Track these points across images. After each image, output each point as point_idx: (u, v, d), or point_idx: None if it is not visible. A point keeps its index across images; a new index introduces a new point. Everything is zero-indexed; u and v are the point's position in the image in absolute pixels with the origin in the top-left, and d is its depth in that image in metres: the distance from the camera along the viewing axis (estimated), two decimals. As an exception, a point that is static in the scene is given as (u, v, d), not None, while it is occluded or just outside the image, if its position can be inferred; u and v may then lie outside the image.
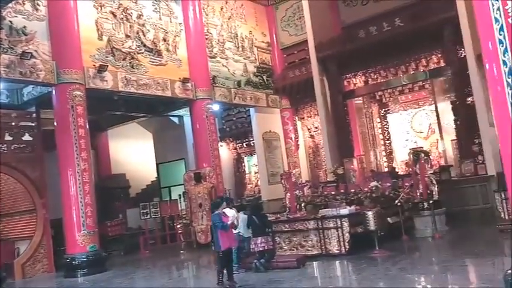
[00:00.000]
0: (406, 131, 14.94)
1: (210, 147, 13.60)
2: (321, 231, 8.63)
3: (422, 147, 12.47)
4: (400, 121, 15.08)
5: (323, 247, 8.56)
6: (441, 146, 13.76)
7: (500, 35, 3.37)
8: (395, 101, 15.10)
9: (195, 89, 13.56)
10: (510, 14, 3.30)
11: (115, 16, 12.09)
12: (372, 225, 8.18)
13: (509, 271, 3.46)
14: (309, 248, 8.72)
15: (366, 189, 10.45)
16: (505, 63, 3.36)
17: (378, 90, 14.68)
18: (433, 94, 13.93)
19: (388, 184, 10.30)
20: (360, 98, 15.10)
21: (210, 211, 8.57)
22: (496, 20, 3.39)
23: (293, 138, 16.75)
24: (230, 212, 7.37)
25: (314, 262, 8.18)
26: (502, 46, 3.37)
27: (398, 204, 9.41)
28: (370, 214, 8.20)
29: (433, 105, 13.91)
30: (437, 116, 13.65)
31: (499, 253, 7.19)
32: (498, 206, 9.14)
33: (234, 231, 7.49)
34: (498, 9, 3.37)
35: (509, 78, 3.34)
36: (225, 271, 6.95)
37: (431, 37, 12.23)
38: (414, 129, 14.81)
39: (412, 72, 13.38)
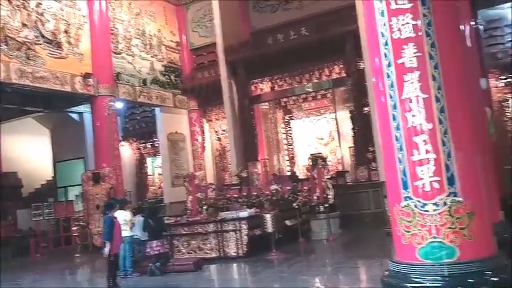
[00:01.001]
0: (308, 137, 15.48)
1: (110, 146, 13.09)
2: (220, 234, 8.63)
3: (321, 153, 12.98)
4: (303, 127, 15.60)
5: (221, 250, 8.57)
6: (339, 152, 14.43)
7: (386, 49, 3.58)
8: (299, 108, 15.59)
9: (97, 85, 12.99)
10: (394, 30, 3.51)
11: (10, 2, 11.25)
12: (269, 228, 8.33)
13: (386, 272, 3.67)
14: (208, 251, 8.68)
15: (267, 192, 10.63)
16: (388, 76, 3.57)
17: (283, 96, 15.08)
18: (334, 103, 14.58)
19: (288, 187, 10.58)
20: (266, 103, 15.38)
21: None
22: (382, 35, 3.58)
23: (200, 140, 16.65)
24: (122, 215, 7.14)
25: (211, 265, 8.16)
26: (387, 59, 3.57)
27: (296, 207, 9.70)
28: (268, 217, 8.36)
29: (334, 113, 14.57)
30: (337, 124, 14.32)
31: (386, 255, 7.63)
32: (387, 210, 9.70)
33: (128, 235, 7.29)
34: (384, 24, 3.57)
35: (391, 90, 3.55)
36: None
37: (335, 48, 12.76)
38: (316, 136, 15.39)
39: (315, 81, 13.89)
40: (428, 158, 3.39)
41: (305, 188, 10.55)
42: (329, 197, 9.90)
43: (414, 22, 3.45)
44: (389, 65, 3.59)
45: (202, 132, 16.81)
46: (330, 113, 14.91)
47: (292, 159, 15.61)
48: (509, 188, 9.73)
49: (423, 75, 3.45)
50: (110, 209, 6.70)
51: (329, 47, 12.72)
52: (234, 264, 8.22)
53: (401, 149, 3.51)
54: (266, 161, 14.79)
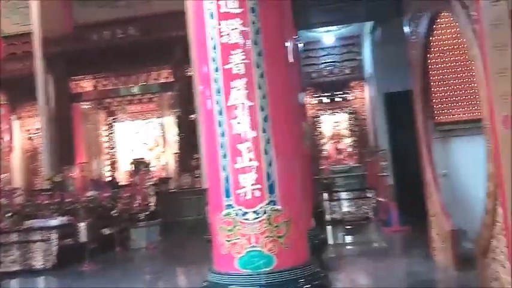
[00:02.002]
0: (132, 141, 14.90)
1: None
2: (25, 244, 7.70)
3: (144, 158, 12.60)
4: (127, 131, 14.98)
5: (26, 262, 7.65)
6: (164, 158, 14.19)
7: (214, 53, 3.47)
8: (123, 110, 14.94)
9: None
10: (223, 34, 3.43)
11: None
12: (84, 237, 7.70)
13: (205, 283, 3.55)
14: (9, 264, 7.69)
15: (83, 199, 9.86)
16: (216, 81, 3.47)
17: (107, 97, 14.33)
18: (160, 107, 14.31)
19: (107, 194, 9.98)
20: (87, 103, 14.42)
21: None
22: (211, 38, 3.48)
23: (7, 139, 14.81)
24: None
25: (13, 280, 7.22)
26: (215, 64, 3.47)
27: (115, 215, 9.18)
28: (82, 225, 7.74)
29: (160, 118, 14.30)
30: (163, 129, 14.08)
31: (206, 263, 7.63)
32: (209, 217, 9.77)
33: None
34: (213, 27, 3.47)
35: (218, 96, 3.46)
36: None
37: (163, 52, 12.56)
38: (140, 141, 14.90)
39: (142, 84, 13.51)
40: (251, 166, 3.36)
41: (126, 194, 10.07)
42: (150, 204, 9.60)
43: (243, 28, 3.41)
44: (217, 70, 3.49)
45: (11, 130, 14.99)
46: (157, 117, 14.59)
47: (114, 164, 14.85)
48: (318, 196, 10.59)
49: (250, 82, 3.42)
50: None
51: (158, 50, 12.47)
52: (40, 278, 7.40)
53: (225, 156, 3.43)
54: (84, 165, 13.81)
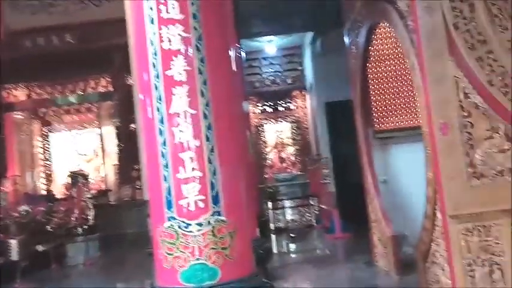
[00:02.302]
0: (69, 152, 14.28)
1: None
2: None
3: (82, 170, 12.11)
4: (64, 142, 14.35)
5: (-50, 284, 7.08)
6: (103, 170, 13.70)
7: (155, 59, 3.36)
8: (59, 120, 14.30)
9: None
10: (164, 39, 3.32)
11: None
12: (15, 255, 7.24)
13: (147, 299, 3.40)
14: None
15: (15, 214, 9.30)
16: (156, 87, 3.35)
17: (42, 106, 13.68)
18: (99, 117, 13.84)
19: (42, 208, 9.47)
20: (20, 113, 13.70)
21: None
22: (152, 44, 3.36)
23: None
24: None
25: None
26: (155, 70, 3.35)
27: (50, 230, 8.72)
28: (13, 242, 7.27)
29: (99, 128, 13.81)
30: (102, 139, 13.61)
31: (147, 277, 7.38)
32: (150, 230, 9.49)
33: None
34: (154, 33, 3.35)
35: (159, 103, 3.34)
36: None
37: (102, 60, 12.16)
38: (78, 152, 14.30)
39: (80, 93, 13.02)
40: (194, 176, 3.25)
41: (62, 208, 9.60)
42: (89, 217, 9.20)
43: (185, 34, 3.32)
44: (157, 77, 3.37)
45: None
46: (95, 127, 14.08)
47: (49, 177, 14.16)
48: (262, 204, 10.57)
49: (192, 89, 3.33)
50: None
51: (96, 58, 12.06)
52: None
53: (167, 166, 3.31)
54: (17, 178, 13.08)
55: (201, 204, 3.22)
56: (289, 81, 13.29)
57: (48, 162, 14.24)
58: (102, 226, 10.15)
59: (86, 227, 9.06)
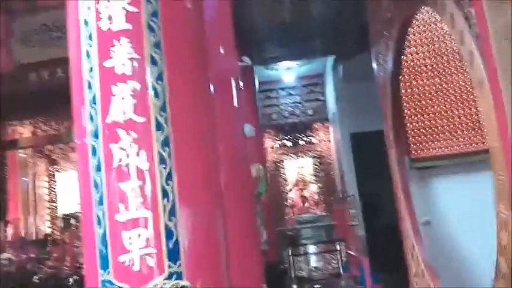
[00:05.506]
0: (77, 193, 13.37)
1: None
2: None
3: (78, 212, 11.10)
4: (72, 182, 13.48)
5: None
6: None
7: (89, 45, 2.32)
8: (67, 159, 13.50)
9: None
10: (102, 17, 2.28)
11: None
12: (-17, 314, 6.15)
13: None
14: None
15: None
16: (90, 85, 2.30)
17: (48, 143, 12.91)
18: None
19: (31, 255, 8.42)
20: (25, 151, 12.96)
21: None
22: (86, 23, 2.33)
23: None
24: None
25: None
26: (89, 61, 2.30)
27: (37, 281, 7.63)
28: (-18, 298, 6.19)
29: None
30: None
31: None
32: None
33: None
34: (89, 8, 2.33)
35: (92, 107, 2.27)
36: None
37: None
38: (86, 192, 13.41)
39: (87, 129, 12.20)
40: (140, 217, 2.12)
41: (54, 255, 8.54)
42: (82, 266, 8.08)
43: (132, 9, 2.32)
44: (91, 70, 2.34)
45: None
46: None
47: (54, 219, 13.22)
48: (280, 250, 9.37)
49: (141, 88, 2.26)
50: None
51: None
52: None
53: (101, 203, 2.20)
54: (18, 220, 12.17)
55: (151, 262, 2.07)
56: (310, 112, 12.17)
57: (53, 204, 13.35)
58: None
59: (77, 277, 7.92)
